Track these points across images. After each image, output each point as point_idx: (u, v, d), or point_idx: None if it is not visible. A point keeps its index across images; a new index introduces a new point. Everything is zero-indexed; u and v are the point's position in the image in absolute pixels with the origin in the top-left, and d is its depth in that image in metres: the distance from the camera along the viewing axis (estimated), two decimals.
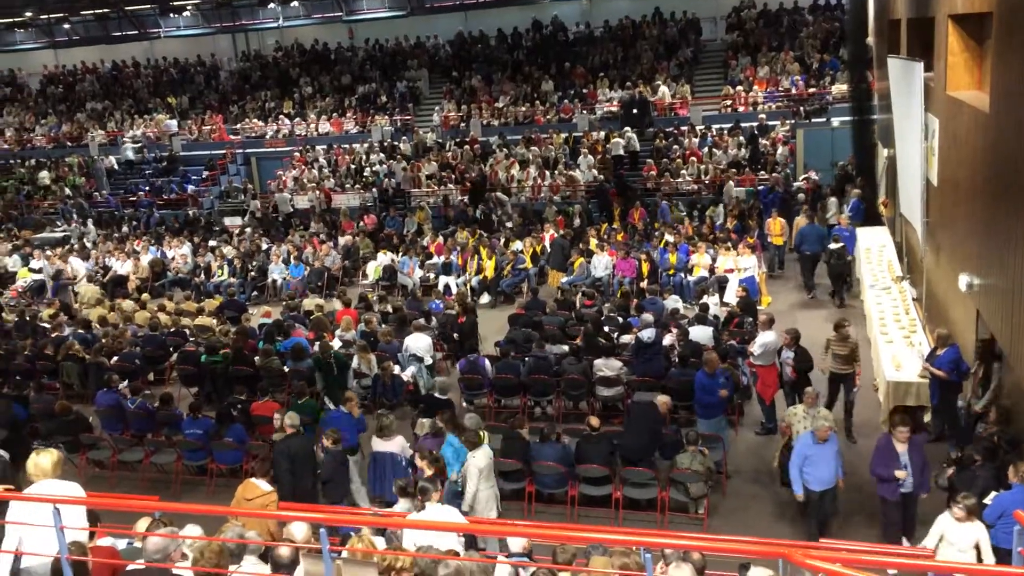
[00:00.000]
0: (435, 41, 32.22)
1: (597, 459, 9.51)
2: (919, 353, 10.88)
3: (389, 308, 15.51)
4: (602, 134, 25.59)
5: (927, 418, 10.44)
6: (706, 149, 23.79)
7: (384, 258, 19.44)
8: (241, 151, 30.04)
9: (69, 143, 32.42)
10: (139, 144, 31.11)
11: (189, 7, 33.03)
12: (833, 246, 15.88)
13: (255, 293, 19.44)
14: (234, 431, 10.80)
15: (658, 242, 18.18)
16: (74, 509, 5.63)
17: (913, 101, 11.50)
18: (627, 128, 25.11)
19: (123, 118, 32.65)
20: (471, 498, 8.58)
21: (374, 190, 25.58)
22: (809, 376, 10.86)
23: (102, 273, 20.70)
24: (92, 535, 5.96)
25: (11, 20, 33.99)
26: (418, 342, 12.90)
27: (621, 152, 24.66)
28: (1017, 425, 8.83)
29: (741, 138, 23.77)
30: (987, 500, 7.37)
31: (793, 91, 24.95)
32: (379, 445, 9.68)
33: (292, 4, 31.99)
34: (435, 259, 19.13)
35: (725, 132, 24.35)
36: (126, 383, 12.79)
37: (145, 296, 18.08)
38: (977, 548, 7.03)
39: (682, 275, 16.70)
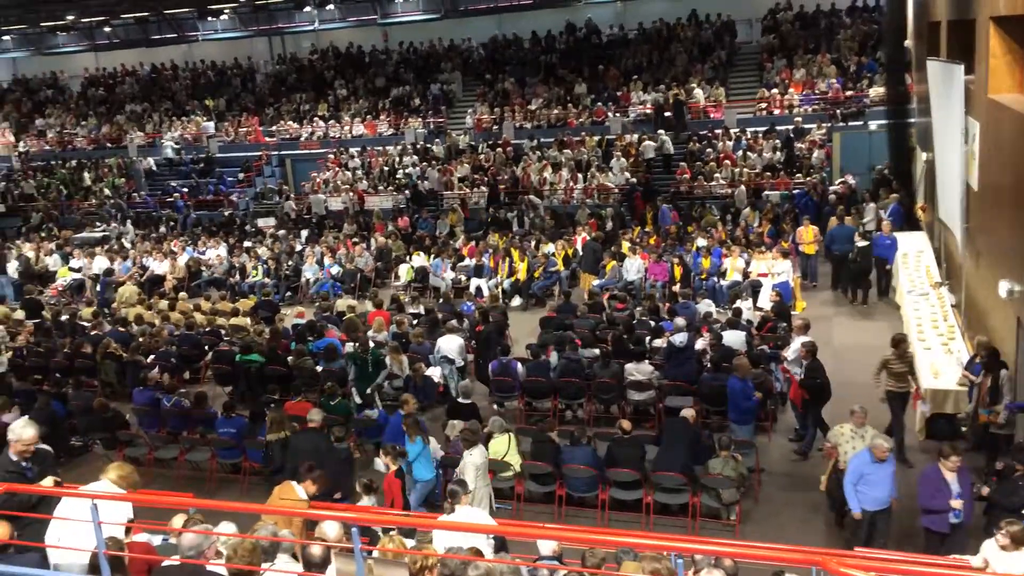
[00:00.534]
0: (469, 44, 32.30)
1: (628, 463, 9.45)
2: (958, 360, 10.70)
3: (421, 309, 15.59)
4: (635, 137, 25.49)
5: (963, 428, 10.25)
6: (740, 152, 23.61)
7: (417, 260, 19.53)
8: (276, 153, 30.42)
9: (109, 144, 32.99)
10: (178, 146, 31.60)
11: (227, 11, 33.53)
12: (860, 244, 15.66)
13: (288, 294, 19.64)
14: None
15: (691, 246, 18.06)
16: (113, 506, 5.72)
17: (953, 104, 11.33)
18: (660, 131, 25.01)
19: (161, 120, 33.16)
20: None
21: (407, 192, 25.73)
22: (817, 392, 10.45)
23: (140, 273, 21.03)
24: (128, 531, 6.05)
25: (53, 24, 34.68)
26: (450, 344, 12.94)
27: (652, 155, 24.55)
28: None
29: (776, 141, 23.55)
30: None
31: (829, 94, 24.64)
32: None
33: (328, 7, 32.33)
34: (467, 261, 19.19)
35: (760, 135, 24.16)
36: (164, 375, 13.13)
37: (182, 296, 18.35)
38: None
39: (715, 279, 16.57)
